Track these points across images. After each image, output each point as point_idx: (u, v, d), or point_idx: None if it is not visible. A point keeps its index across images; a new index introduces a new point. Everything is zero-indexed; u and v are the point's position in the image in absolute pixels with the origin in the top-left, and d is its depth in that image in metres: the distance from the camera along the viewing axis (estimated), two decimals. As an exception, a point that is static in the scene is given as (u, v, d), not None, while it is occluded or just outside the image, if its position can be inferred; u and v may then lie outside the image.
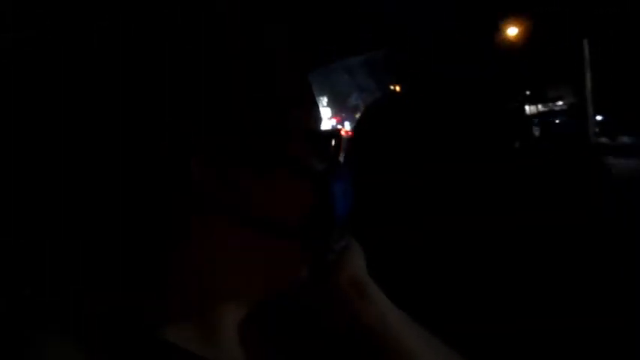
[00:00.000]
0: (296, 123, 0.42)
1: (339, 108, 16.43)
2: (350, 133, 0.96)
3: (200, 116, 0.38)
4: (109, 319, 0.38)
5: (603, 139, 9.83)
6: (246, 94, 0.40)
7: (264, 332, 0.47)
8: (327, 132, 0.46)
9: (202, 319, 0.41)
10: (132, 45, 0.38)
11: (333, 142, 0.45)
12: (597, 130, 9.45)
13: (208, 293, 0.41)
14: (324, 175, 0.43)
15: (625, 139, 10.06)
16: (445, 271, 0.76)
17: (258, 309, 0.44)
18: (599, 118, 10.17)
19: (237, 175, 0.39)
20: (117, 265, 0.39)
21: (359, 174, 0.93)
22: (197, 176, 0.37)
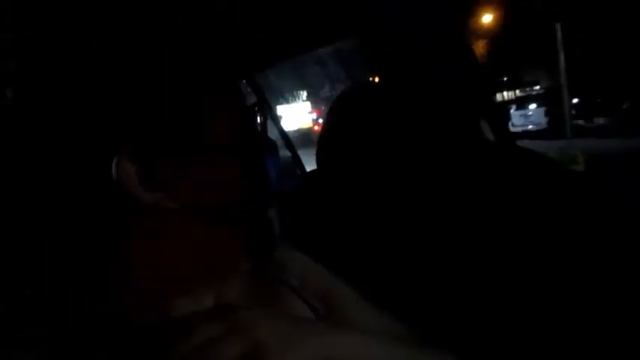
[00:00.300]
0: (215, 108, 0.42)
1: (316, 100, 16.43)
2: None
3: (122, 117, 0.38)
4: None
5: (580, 122, 10.00)
6: (163, 92, 0.40)
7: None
8: (248, 108, 0.45)
9: (156, 309, 0.41)
10: (64, 49, 0.39)
11: (256, 118, 0.45)
12: (574, 112, 9.59)
13: (156, 287, 0.41)
14: (252, 154, 0.44)
15: (600, 120, 10.24)
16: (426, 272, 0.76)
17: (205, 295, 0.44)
18: (575, 100, 10.32)
19: (163, 170, 0.39)
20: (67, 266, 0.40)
21: (329, 168, 0.92)
22: (121, 177, 0.37)
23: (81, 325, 0.40)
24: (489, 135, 1.12)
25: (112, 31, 0.40)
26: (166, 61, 0.40)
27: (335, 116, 0.92)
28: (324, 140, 0.92)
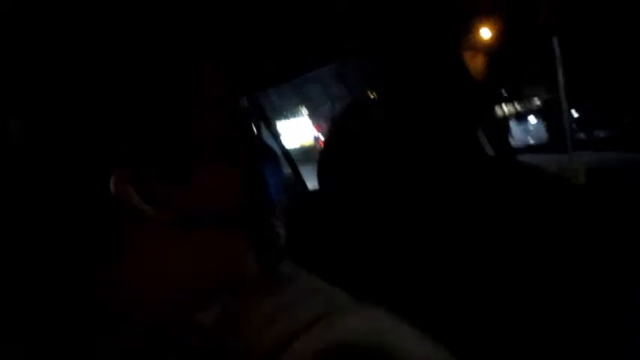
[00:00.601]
0: (205, 116, 0.42)
1: (318, 118, 16.50)
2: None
3: (119, 132, 0.39)
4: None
5: (581, 135, 10.01)
6: (156, 106, 0.40)
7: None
8: (243, 114, 0.46)
9: (157, 319, 0.42)
10: (63, 62, 0.39)
11: (250, 125, 0.46)
12: (574, 126, 9.61)
13: (158, 298, 0.42)
14: (251, 163, 0.44)
15: (601, 133, 10.25)
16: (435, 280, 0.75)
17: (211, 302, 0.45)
18: (576, 115, 10.36)
19: (158, 183, 0.40)
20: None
21: (329, 186, 0.92)
22: (118, 190, 0.38)
23: (79, 333, 0.40)
24: (489, 149, 1.12)
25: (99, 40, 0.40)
26: (153, 70, 0.40)
27: (334, 134, 0.93)
28: (325, 158, 0.93)
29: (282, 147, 2.83)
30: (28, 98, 0.39)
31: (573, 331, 0.70)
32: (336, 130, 0.94)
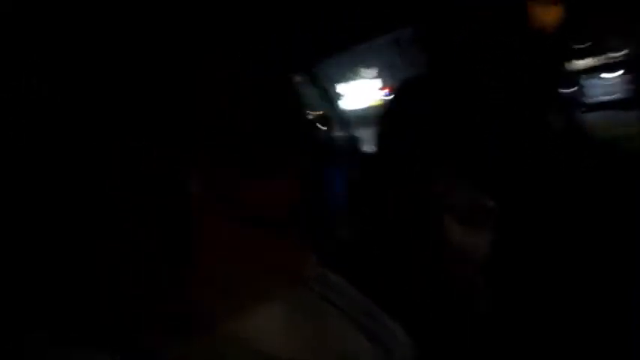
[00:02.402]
0: (277, 120, 0.45)
1: (387, 79, 16.05)
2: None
3: (195, 133, 0.42)
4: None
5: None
6: (228, 110, 0.43)
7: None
8: (313, 119, 0.49)
9: (222, 313, 0.46)
10: (143, 67, 0.43)
11: (323, 127, 0.50)
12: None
13: (224, 291, 0.45)
14: (314, 165, 0.48)
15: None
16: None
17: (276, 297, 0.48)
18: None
19: (229, 181, 0.44)
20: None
21: (387, 155, 1.00)
22: (195, 187, 0.42)
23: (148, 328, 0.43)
24: (557, 116, 1.14)
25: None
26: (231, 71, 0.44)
27: (393, 106, 1.02)
28: (385, 124, 1.02)
29: (340, 111, 2.85)
30: (107, 99, 0.41)
31: None
32: (399, 97, 1.02)
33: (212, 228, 0.43)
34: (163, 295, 0.43)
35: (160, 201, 0.41)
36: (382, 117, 1.00)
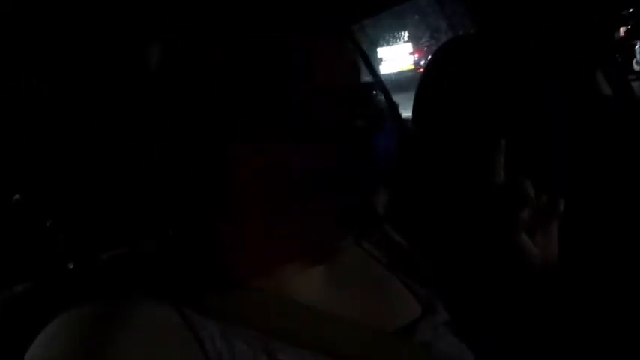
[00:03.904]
0: (322, 86, 0.42)
1: (418, 43, 15.85)
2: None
3: (234, 104, 0.40)
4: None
5: None
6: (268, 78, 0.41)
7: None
8: (361, 87, 0.46)
9: (267, 270, 0.45)
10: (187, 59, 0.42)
11: (373, 95, 0.45)
12: None
13: (269, 250, 0.44)
14: (361, 134, 0.44)
15: None
16: None
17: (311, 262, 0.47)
18: None
19: (272, 147, 0.41)
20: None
21: (423, 127, 0.89)
22: (233, 153, 0.40)
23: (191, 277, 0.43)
24: (604, 84, 1.03)
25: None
26: (271, 53, 0.41)
27: (436, 67, 0.88)
28: (423, 92, 0.89)
29: (378, 78, 2.77)
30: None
31: None
32: (439, 62, 0.90)
33: (254, 189, 0.41)
34: (203, 249, 0.44)
35: (203, 160, 0.41)
36: (424, 81, 0.87)
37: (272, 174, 0.41)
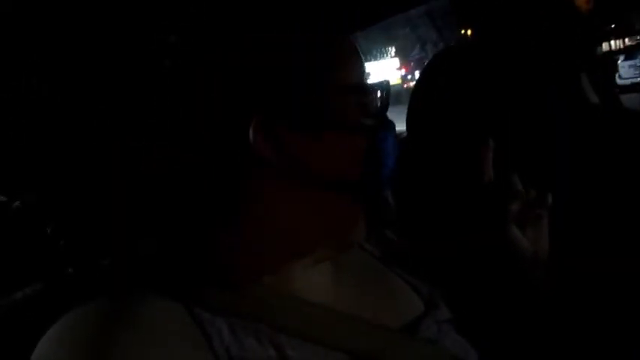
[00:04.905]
0: (339, 85, 0.43)
1: (405, 59, 15.99)
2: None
3: (255, 93, 0.41)
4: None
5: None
6: (293, 68, 0.41)
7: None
8: (373, 86, 0.46)
9: (273, 268, 0.44)
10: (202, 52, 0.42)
11: (380, 95, 0.45)
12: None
13: (276, 248, 0.43)
14: (372, 131, 0.44)
15: None
16: None
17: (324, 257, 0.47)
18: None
19: (292, 140, 0.41)
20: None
21: (420, 137, 0.89)
22: (255, 143, 0.40)
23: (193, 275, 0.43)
24: (591, 92, 1.05)
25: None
26: (297, 42, 0.42)
27: (427, 80, 0.89)
28: (416, 104, 0.90)
29: None
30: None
31: None
32: (429, 75, 0.91)
33: (270, 186, 0.41)
34: (206, 247, 0.43)
35: (203, 160, 0.41)
36: (416, 93, 0.88)
37: (280, 172, 0.41)
